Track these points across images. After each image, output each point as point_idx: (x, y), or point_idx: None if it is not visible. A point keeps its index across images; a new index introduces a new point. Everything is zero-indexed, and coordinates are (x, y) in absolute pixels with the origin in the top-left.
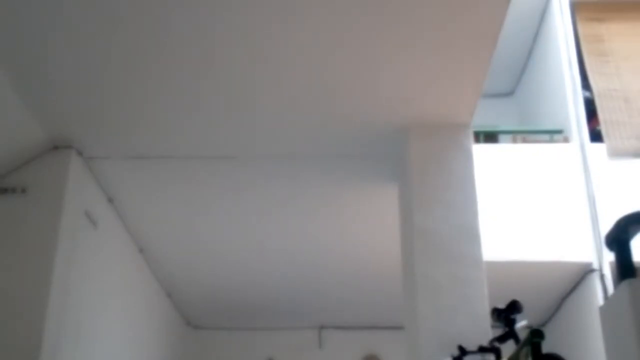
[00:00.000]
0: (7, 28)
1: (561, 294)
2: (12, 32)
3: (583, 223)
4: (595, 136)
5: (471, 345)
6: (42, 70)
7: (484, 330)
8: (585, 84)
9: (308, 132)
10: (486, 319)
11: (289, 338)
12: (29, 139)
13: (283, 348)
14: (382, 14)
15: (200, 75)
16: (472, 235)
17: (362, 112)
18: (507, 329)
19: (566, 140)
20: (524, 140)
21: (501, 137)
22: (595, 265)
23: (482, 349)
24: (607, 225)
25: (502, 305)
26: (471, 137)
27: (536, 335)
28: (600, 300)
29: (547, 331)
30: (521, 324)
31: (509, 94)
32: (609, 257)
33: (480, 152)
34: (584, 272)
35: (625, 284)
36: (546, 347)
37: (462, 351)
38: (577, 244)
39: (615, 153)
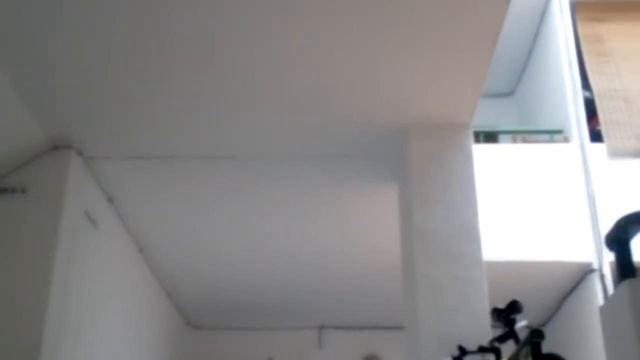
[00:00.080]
0: (7, 28)
1: (561, 294)
2: (12, 32)
3: (583, 223)
4: (595, 136)
5: (471, 345)
6: (42, 70)
7: (484, 330)
8: (585, 84)
9: (308, 132)
10: (486, 319)
11: (289, 338)
12: (29, 139)
13: (283, 348)
14: (382, 14)
15: (200, 75)
16: (472, 235)
17: (362, 112)
18: (507, 329)
19: (566, 140)
20: (524, 140)
21: (501, 137)
22: (595, 265)
23: (482, 349)
24: (607, 225)
25: (502, 305)
26: (471, 137)
27: (536, 335)
28: (600, 300)
29: (547, 331)
30: (521, 324)
31: (509, 94)
32: (609, 257)
33: (480, 152)
34: (584, 272)
35: (625, 284)
36: (546, 347)
37: (462, 351)
38: (577, 244)
39: (615, 153)
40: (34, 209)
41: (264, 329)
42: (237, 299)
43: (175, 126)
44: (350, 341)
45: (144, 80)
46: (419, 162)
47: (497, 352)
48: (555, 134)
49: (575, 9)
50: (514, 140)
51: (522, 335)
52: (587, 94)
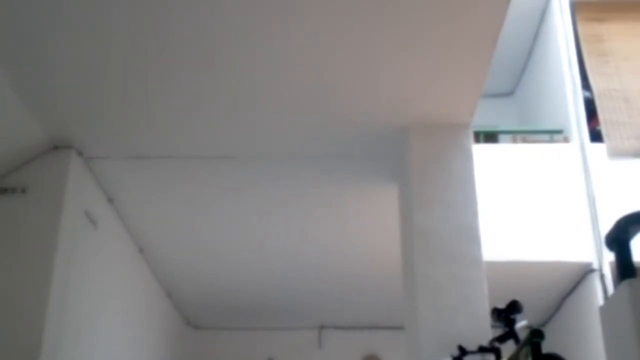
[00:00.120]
0: (7, 28)
1: (561, 294)
2: (12, 32)
3: (583, 223)
4: (595, 136)
5: (471, 345)
6: (42, 70)
7: (484, 330)
8: (585, 84)
9: (308, 132)
10: (486, 319)
11: (289, 338)
12: (29, 139)
13: (283, 348)
14: (382, 14)
15: (200, 75)
16: (472, 235)
17: (362, 112)
18: (507, 329)
19: (566, 140)
20: (524, 140)
21: (501, 137)
22: (595, 265)
23: (482, 349)
24: (607, 225)
25: (502, 305)
26: (471, 137)
27: (536, 335)
28: (600, 300)
29: (547, 331)
30: (521, 324)
31: (509, 94)
32: (609, 257)
33: (480, 152)
34: (584, 272)
35: (625, 284)
36: (546, 347)
37: (462, 351)
38: (577, 244)
39: (615, 153)
40: (34, 209)
41: (264, 329)
42: (237, 299)
43: (175, 126)
44: (350, 341)
45: (144, 80)
46: (419, 162)
47: (497, 352)
48: (555, 134)
49: (575, 9)
50: (514, 140)
51: (522, 335)
52: (587, 94)
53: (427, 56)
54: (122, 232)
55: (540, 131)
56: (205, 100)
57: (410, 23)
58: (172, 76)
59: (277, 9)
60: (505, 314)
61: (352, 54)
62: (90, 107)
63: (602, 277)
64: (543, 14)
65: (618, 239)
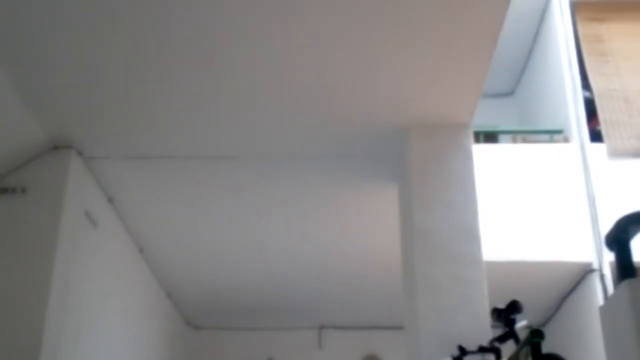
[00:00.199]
0: (7, 28)
1: (561, 294)
2: (12, 32)
3: (583, 223)
4: (595, 136)
5: (471, 345)
6: (42, 70)
7: (484, 330)
8: (585, 84)
9: (308, 132)
10: (486, 319)
11: (289, 338)
12: (29, 139)
13: (283, 348)
14: (382, 14)
15: (200, 75)
16: (472, 235)
17: (362, 112)
18: (507, 329)
19: (566, 140)
20: (524, 140)
21: (501, 137)
22: (595, 265)
23: (482, 349)
24: (607, 225)
25: (502, 305)
26: (471, 137)
27: (536, 335)
28: (600, 300)
29: (547, 331)
30: (521, 324)
31: (509, 94)
32: (609, 257)
33: (480, 152)
34: (584, 272)
35: (625, 284)
36: (546, 347)
37: (462, 351)
38: (577, 244)
39: (615, 153)
40: (34, 209)
41: (264, 329)
42: (237, 299)
43: (175, 126)
44: (350, 341)
45: (144, 80)
46: (419, 162)
47: (497, 352)
48: (555, 134)
49: (575, 9)
50: (514, 140)
51: (522, 335)
52: (587, 94)
53: (427, 56)
54: (122, 232)
55: (540, 131)
56: (205, 100)
57: (410, 23)
58: (172, 76)
59: (277, 9)
60: (505, 314)
61: (352, 54)
62: (90, 107)
63: (602, 277)
64: (543, 14)
65: (618, 239)
